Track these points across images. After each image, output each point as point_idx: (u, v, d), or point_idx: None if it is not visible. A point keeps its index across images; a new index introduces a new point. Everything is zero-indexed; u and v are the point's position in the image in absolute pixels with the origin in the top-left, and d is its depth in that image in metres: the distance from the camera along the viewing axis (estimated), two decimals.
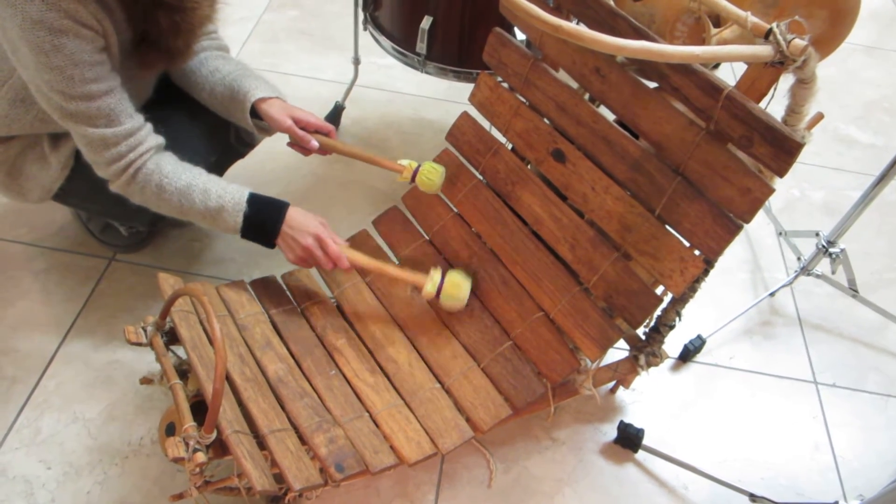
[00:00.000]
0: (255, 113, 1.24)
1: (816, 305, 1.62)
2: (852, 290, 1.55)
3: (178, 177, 1.11)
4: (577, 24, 1.04)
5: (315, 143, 1.23)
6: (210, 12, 1.12)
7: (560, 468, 1.27)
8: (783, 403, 1.43)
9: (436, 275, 1.17)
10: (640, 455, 1.30)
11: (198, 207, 1.12)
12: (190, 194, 1.11)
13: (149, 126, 1.12)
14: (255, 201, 1.14)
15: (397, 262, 1.31)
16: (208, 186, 1.12)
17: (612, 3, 1.03)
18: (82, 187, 1.21)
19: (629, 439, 1.29)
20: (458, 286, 1.17)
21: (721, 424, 1.38)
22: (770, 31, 0.83)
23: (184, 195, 1.11)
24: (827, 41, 1.00)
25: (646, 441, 1.29)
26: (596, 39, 0.79)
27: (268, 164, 1.69)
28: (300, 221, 1.15)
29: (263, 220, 1.14)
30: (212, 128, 1.31)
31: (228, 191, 1.13)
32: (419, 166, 1.26)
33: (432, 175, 1.25)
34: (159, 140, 1.13)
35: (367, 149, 1.84)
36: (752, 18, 0.86)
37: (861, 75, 2.39)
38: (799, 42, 0.82)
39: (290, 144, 1.26)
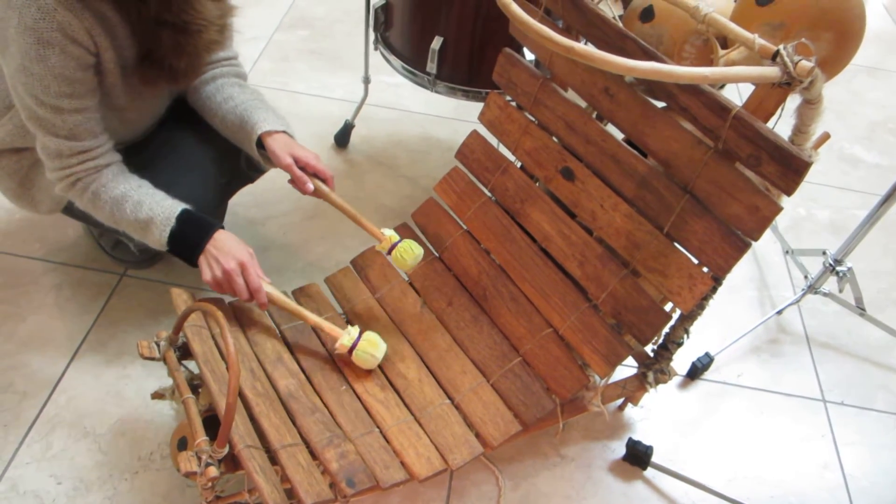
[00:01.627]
0: (262, 144, 1.24)
1: (824, 323, 1.62)
2: (859, 309, 1.56)
3: (115, 187, 1.12)
4: (586, 44, 1.06)
5: (311, 187, 1.21)
6: (217, 38, 1.13)
7: (569, 485, 1.27)
8: (791, 421, 1.43)
9: (353, 331, 1.14)
10: (649, 472, 1.30)
11: (128, 217, 1.12)
12: (123, 204, 1.12)
13: (108, 145, 1.14)
14: (186, 218, 1.13)
15: (409, 276, 1.32)
16: (143, 199, 1.12)
17: (620, 24, 1.05)
18: None
19: (638, 457, 1.29)
20: (374, 345, 1.14)
21: (730, 442, 1.37)
22: (777, 52, 0.85)
23: (116, 204, 1.12)
24: (833, 62, 1.01)
25: (654, 458, 1.29)
26: (607, 60, 0.81)
27: (279, 181, 1.70)
28: (228, 245, 1.13)
29: (188, 236, 1.12)
30: (224, 152, 1.32)
31: (163, 206, 1.12)
32: (399, 241, 1.23)
33: (406, 255, 1.22)
34: (113, 158, 1.15)
35: (376, 166, 1.87)
36: (759, 40, 0.87)
37: (866, 96, 2.41)
38: (805, 63, 0.84)
39: (290, 182, 1.24)
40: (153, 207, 1.12)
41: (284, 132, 1.24)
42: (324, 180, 1.24)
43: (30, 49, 0.99)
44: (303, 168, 1.22)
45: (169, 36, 1.07)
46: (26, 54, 0.99)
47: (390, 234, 1.24)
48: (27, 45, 0.98)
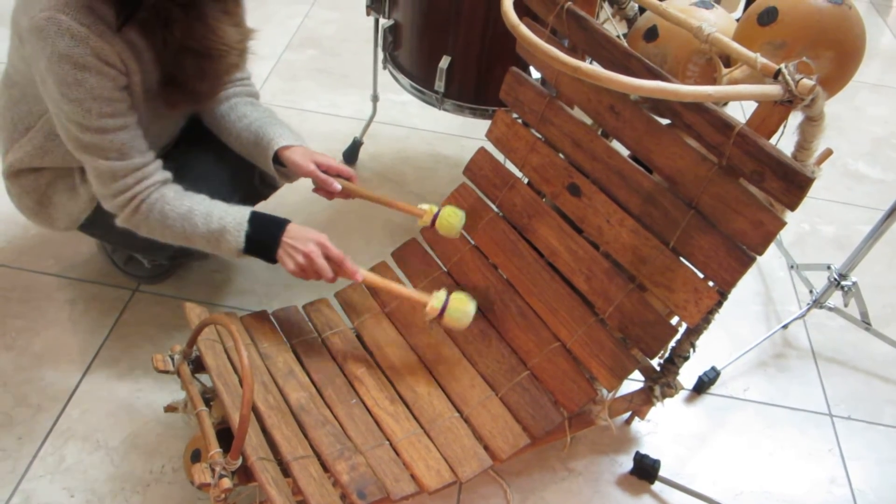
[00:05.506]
0: (278, 159, 1.27)
1: (829, 338, 1.63)
2: (865, 323, 1.56)
3: (180, 203, 1.14)
4: (592, 63, 1.08)
5: (338, 186, 1.25)
6: (238, 61, 1.16)
7: (576, 499, 1.28)
8: (798, 436, 1.43)
9: (441, 294, 1.16)
10: (657, 486, 1.30)
11: (200, 231, 1.14)
12: (192, 218, 1.14)
13: (158, 162, 1.16)
14: (257, 219, 1.16)
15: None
16: (211, 210, 1.15)
17: (625, 43, 1.07)
18: (107, 219, 1.25)
19: (645, 470, 1.29)
20: (463, 302, 1.15)
21: (737, 456, 1.38)
22: (779, 71, 0.87)
23: (186, 220, 1.14)
24: (834, 80, 1.03)
25: (662, 472, 1.29)
26: (612, 79, 0.83)
27: (289, 197, 1.73)
28: (302, 232, 1.16)
29: (264, 236, 1.15)
30: (237, 170, 1.35)
31: (230, 212, 1.16)
32: (439, 210, 1.27)
33: (452, 219, 1.27)
34: (166, 175, 1.17)
35: (384, 182, 1.89)
36: (761, 59, 0.89)
37: (868, 112, 2.43)
38: (807, 82, 0.86)
39: (316, 190, 1.28)
40: (223, 216, 1.15)
41: (301, 145, 1.27)
42: (348, 178, 1.28)
43: (66, 75, 1.00)
44: (325, 171, 1.26)
45: (192, 61, 1.09)
46: (63, 81, 1.01)
47: (428, 206, 1.28)
48: (63, 72, 1.00)
